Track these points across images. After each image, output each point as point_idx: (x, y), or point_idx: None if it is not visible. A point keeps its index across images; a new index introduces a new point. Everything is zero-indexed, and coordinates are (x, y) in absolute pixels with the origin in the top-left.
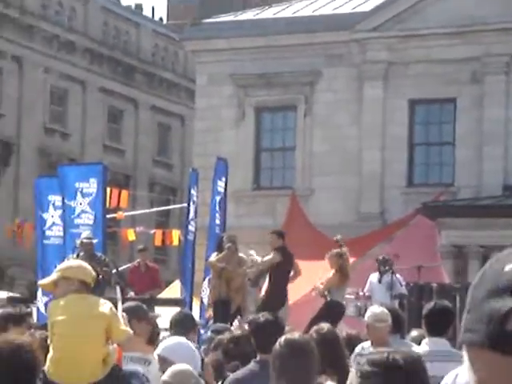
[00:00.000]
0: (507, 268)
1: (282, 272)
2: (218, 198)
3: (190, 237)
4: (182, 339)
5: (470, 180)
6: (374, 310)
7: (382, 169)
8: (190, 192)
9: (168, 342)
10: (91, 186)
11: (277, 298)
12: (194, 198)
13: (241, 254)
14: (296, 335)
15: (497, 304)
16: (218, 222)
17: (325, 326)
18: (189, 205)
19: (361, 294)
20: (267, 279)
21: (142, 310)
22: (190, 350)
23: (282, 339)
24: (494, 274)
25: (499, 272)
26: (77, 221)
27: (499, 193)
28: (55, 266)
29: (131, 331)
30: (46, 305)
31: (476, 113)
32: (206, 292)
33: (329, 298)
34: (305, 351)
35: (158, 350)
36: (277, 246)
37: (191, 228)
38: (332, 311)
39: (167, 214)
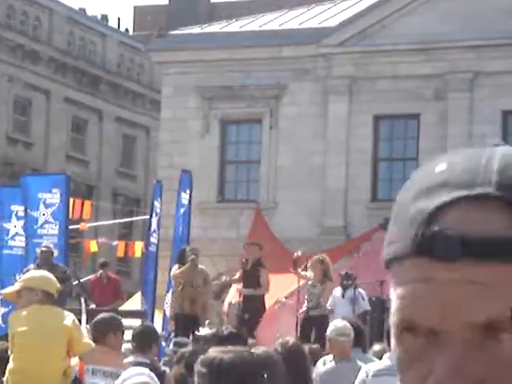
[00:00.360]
0: (438, 169)
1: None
2: (182, 210)
3: (152, 248)
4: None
5: None
6: (337, 324)
7: (346, 183)
8: (153, 203)
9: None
10: (54, 196)
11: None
12: (157, 210)
13: (201, 266)
14: (260, 350)
15: (422, 204)
16: (181, 233)
17: (290, 339)
18: (151, 216)
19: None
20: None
21: (117, 322)
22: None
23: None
24: (423, 176)
25: (429, 173)
26: (40, 231)
27: None
28: (16, 277)
29: (93, 344)
30: (3, 316)
31: (440, 129)
32: (169, 304)
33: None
34: (268, 366)
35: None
36: (257, 256)
37: (153, 240)
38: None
39: (130, 225)
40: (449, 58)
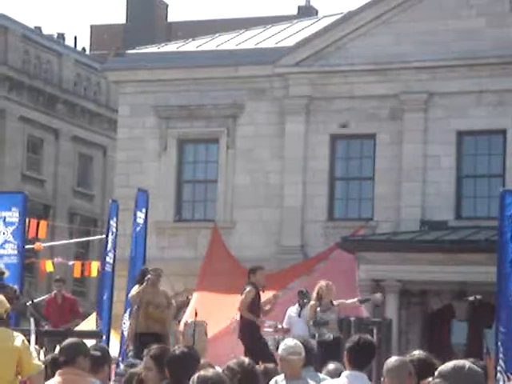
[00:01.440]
0: None
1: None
2: (137, 230)
3: (108, 268)
4: None
5: (389, 215)
6: (288, 342)
7: (303, 203)
8: (109, 223)
9: None
10: (13, 215)
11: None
12: (113, 229)
13: (162, 288)
14: (210, 372)
15: None
16: (137, 253)
17: (245, 358)
18: (107, 236)
19: (279, 327)
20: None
21: (85, 346)
22: None
23: (195, 376)
24: None
25: None
26: (1, 251)
27: (417, 228)
28: None
29: (43, 366)
30: None
31: (395, 149)
32: (126, 324)
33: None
34: None
35: None
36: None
37: (109, 259)
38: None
39: (87, 245)
40: (404, 78)
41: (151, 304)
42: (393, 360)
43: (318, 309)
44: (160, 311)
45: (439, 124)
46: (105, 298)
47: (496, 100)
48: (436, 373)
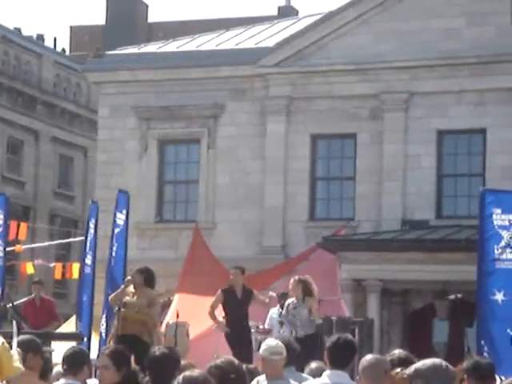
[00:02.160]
0: None
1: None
2: (116, 231)
3: (87, 270)
4: None
5: (370, 214)
6: (269, 342)
7: (285, 203)
8: (88, 224)
9: None
10: None
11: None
12: (91, 231)
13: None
14: (195, 372)
15: None
16: (114, 254)
17: (226, 357)
18: (86, 237)
19: (261, 327)
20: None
21: (36, 344)
22: None
23: (180, 377)
24: None
25: None
26: None
27: (398, 227)
28: None
29: (23, 368)
30: None
31: (376, 148)
32: (104, 326)
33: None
34: None
35: None
36: (242, 283)
37: (88, 261)
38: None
39: (68, 246)
40: (384, 78)
41: (127, 305)
42: (368, 358)
43: (289, 305)
44: (135, 312)
45: (420, 123)
46: (84, 299)
47: (476, 99)
48: (412, 370)
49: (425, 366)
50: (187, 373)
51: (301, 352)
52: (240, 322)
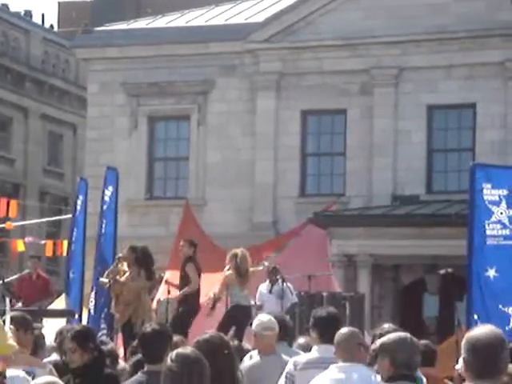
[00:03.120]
0: None
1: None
2: (104, 207)
3: (74, 247)
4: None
5: (361, 190)
6: (262, 318)
7: (275, 179)
8: (76, 201)
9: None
10: None
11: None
12: (79, 207)
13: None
14: (188, 349)
15: None
16: (103, 231)
17: (213, 333)
18: (73, 214)
19: (252, 303)
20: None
21: (27, 321)
22: None
23: (173, 354)
24: None
25: None
26: None
27: (388, 202)
28: None
29: (17, 346)
30: None
31: (366, 124)
32: (93, 303)
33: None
34: (198, 366)
35: None
36: (188, 255)
37: (74, 238)
38: (236, 315)
39: (59, 224)
40: (374, 53)
41: (115, 286)
42: (343, 331)
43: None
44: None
45: (409, 98)
46: (72, 276)
47: (466, 74)
48: (378, 345)
49: (390, 340)
50: (180, 350)
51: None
52: None
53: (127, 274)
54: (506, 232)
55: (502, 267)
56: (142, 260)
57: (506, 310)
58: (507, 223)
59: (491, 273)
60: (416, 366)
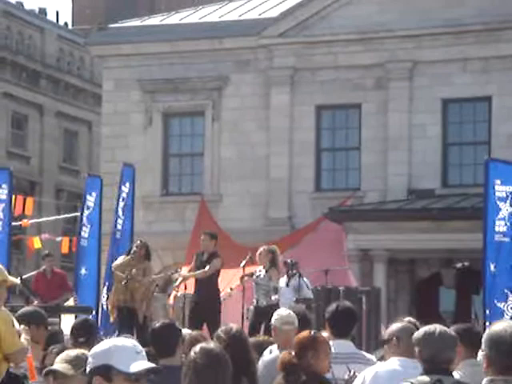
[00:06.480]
0: None
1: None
2: (121, 204)
3: (83, 243)
4: None
5: (376, 184)
6: (281, 312)
7: (290, 174)
8: (85, 198)
9: None
10: (3, 192)
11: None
12: (90, 204)
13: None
14: (211, 344)
15: None
16: (119, 227)
17: (233, 326)
18: (82, 211)
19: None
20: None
21: (38, 315)
22: None
23: (197, 348)
24: None
25: None
26: None
27: (404, 197)
28: None
29: (25, 344)
30: None
31: (381, 118)
32: (105, 298)
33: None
34: (222, 359)
35: None
36: (212, 249)
37: (84, 234)
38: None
39: (74, 220)
40: (388, 47)
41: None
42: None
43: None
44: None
45: (424, 92)
46: (81, 272)
47: (481, 67)
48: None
49: (418, 335)
50: (204, 344)
51: (261, 322)
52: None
53: (134, 270)
54: (505, 229)
55: (500, 263)
56: (149, 255)
57: (499, 305)
58: (507, 220)
59: (492, 268)
60: (447, 361)
